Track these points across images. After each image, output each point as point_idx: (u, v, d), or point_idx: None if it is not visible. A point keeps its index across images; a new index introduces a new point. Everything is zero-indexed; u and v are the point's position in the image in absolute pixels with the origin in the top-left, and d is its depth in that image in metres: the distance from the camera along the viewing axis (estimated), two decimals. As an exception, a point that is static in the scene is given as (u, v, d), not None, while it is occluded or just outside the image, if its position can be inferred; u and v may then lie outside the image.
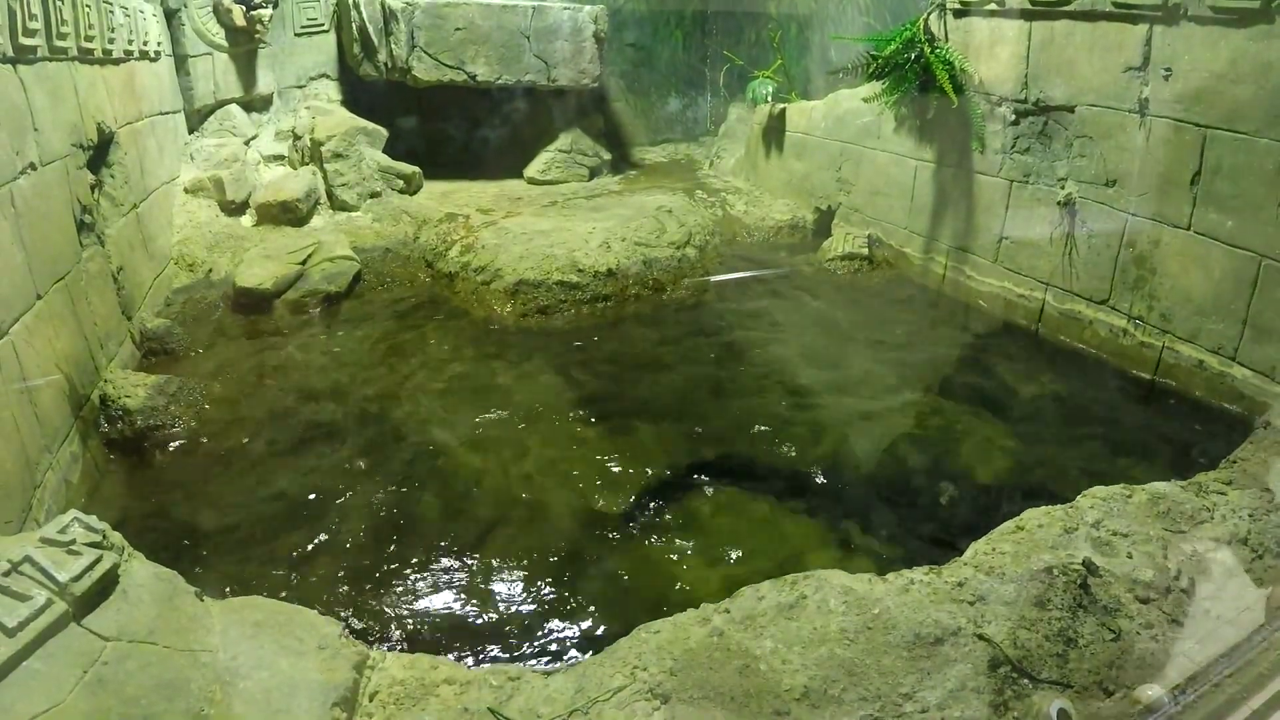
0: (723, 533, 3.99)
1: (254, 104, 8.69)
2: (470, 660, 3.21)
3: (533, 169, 9.81)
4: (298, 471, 4.48)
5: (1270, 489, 3.38)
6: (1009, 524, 3.22)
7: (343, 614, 3.39)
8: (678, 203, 8.28)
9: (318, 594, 3.56)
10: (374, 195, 8.38)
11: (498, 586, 3.64)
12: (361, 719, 2.40)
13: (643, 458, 4.61)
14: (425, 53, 8.89)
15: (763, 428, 4.88)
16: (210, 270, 6.91)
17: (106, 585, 2.41)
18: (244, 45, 8.32)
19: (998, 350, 5.92)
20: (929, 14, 6.62)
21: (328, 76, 9.61)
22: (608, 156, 10.27)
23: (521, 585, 3.65)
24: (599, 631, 3.38)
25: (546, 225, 7.55)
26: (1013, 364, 5.71)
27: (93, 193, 5.19)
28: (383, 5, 8.78)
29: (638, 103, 11.49)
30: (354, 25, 8.96)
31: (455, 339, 6.13)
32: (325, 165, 8.25)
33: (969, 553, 3.05)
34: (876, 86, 7.02)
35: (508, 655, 3.27)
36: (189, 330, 6.02)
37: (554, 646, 3.33)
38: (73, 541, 2.44)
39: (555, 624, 3.44)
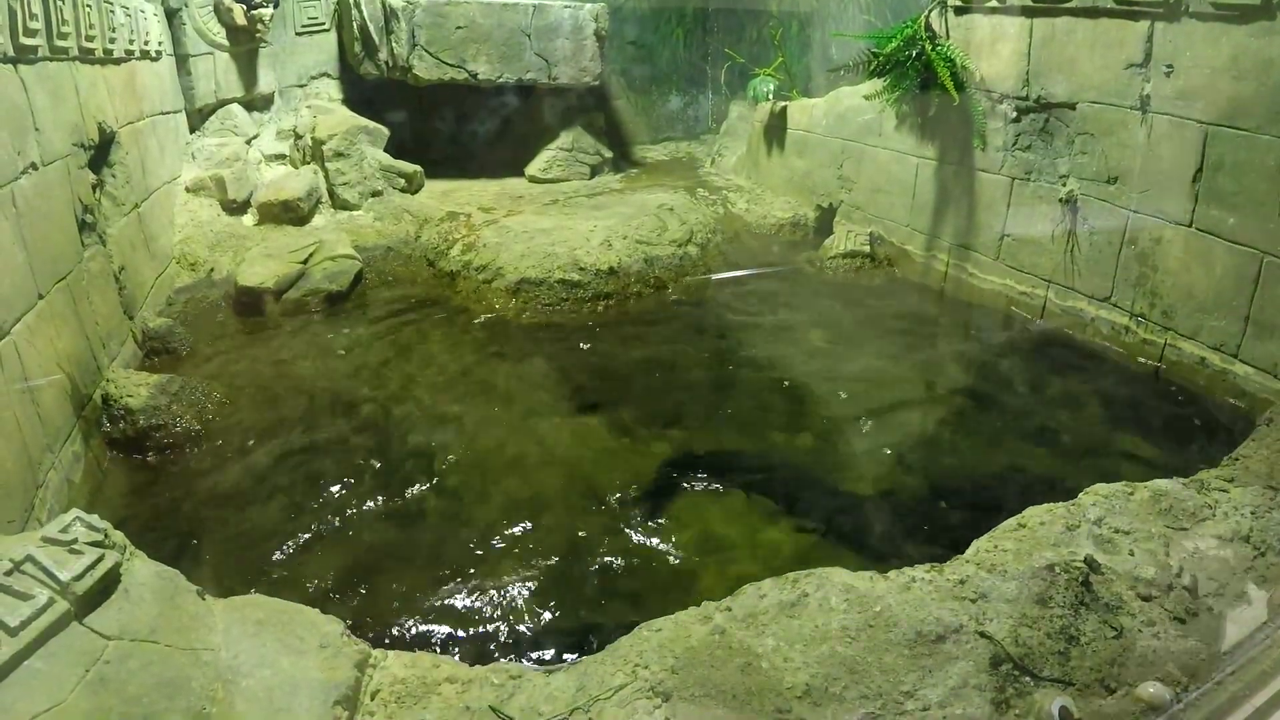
0: (723, 532, 3.99)
1: (255, 103, 8.70)
2: (472, 659, 3.20)
3: (534, 167, 9.81)
4: (300, 470, 4.48)
5: (1273, 486, 3.38)
6: (1010, 521, 3.21)
7: (344, 612, 3.39)
8: (679, 201, 8.28)
9: (319, 592, 3.57)
10: (375, 194, 8.38)
11: (499, 584, 3.64)
12: (363, 717, 2.40)
13: (644, 456, 4.61)
14: (426, 51, 8.89)
15: (763, 426, 4.88)
16: (212, 269, 6.92)
17: (108, 584, 2.41)
18: (245, 44, 8.32)
19: (999, 348, 5.91)
20: (930, 11, 6.62)
21: (329, 75, 9.61)
22: (609, 155, 10.27)
23: (523, 583, 3.65)
24: (600, 629, 3.38)
25: (548, 224, 7.55)
26: (1014, 362, 5.70)
27: (94, 192, 5.19)
28: (383, 4, 8.78)
29: (639, 101, 11.48)
30: (355, 24, 8.96)
31: (457, 337, 6.13)
32: (327, 164, 8.25)
33: (970, 550, 3.05)
34: (878, 84, 7.01)
35: (509, 653, 3.27)
36: (191, 330, 6.02)
37: (555, 644, 3.33)
38: (74, 540, 2.44)
39: (556, 622, 3.44)
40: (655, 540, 3.91)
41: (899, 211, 7.33)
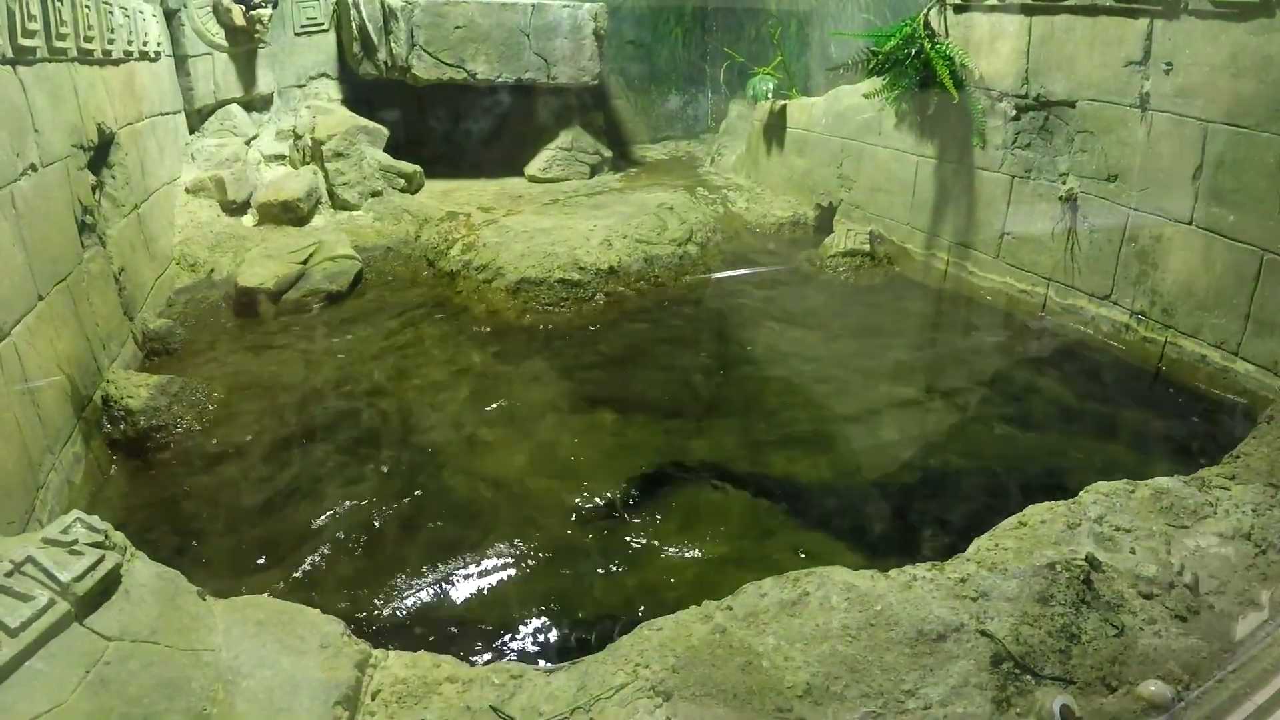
0: (722, 531, 3.99)
1: (254, 104, 8.70)
2: (472, 658, 3.20)
3: (533, 167, 9.80)
4: (300, 470, 4.48)
5: (1274, 483, 3.38)
6: (1011, 520, 3.22)
7: (345, 612, 3.39)
8: (679, 200, 8.27)
9: (320, 592, 3.56)
10: (375, 194, 8.38)
11: (500, 583, 3.64)
12: (364, 717, 2.40)
13: (645, 456, 4.61)
14: (425, 51, 8.89)
15: (763, 424, 4.88)
16: (212, 270, 6.92)
17: (109, 585, 2.41)
18: (244, 45, 8.32)
19: (999, 346, 5.91)
20: (929, 9, 6.61)
21: (328, 76, 9.61)
22: (608, 154, 10.27)
23: (524, 582, 3.65)
24: (600, 628, 3.38)
25: (548, 223, 7.55)
26: (1014, 360, 5.70)
27: (94, 193, 5.19)
28: (382, 4, 8.78)
29: (638, 100, 11.48)
30: (353, 24, 8.96)
31: (457, 337, 6.13)
32: (326, 164, 8.25)
33: (971, 549, 3.05)
34: (877, 82, 7.01)
35: (510, 653, 3.26)
36: (191, 330, 6.02)
37: (556, 643, 3.33)
38: (75, 541, 2.44)
39: (556, 621, 3.44)
40: (655, 539, 3.90)
41: (899, 210, 7.33)
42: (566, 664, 2.63)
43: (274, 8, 8.36)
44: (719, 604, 2.77)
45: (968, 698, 2.36)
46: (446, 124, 10.12)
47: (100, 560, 2.41)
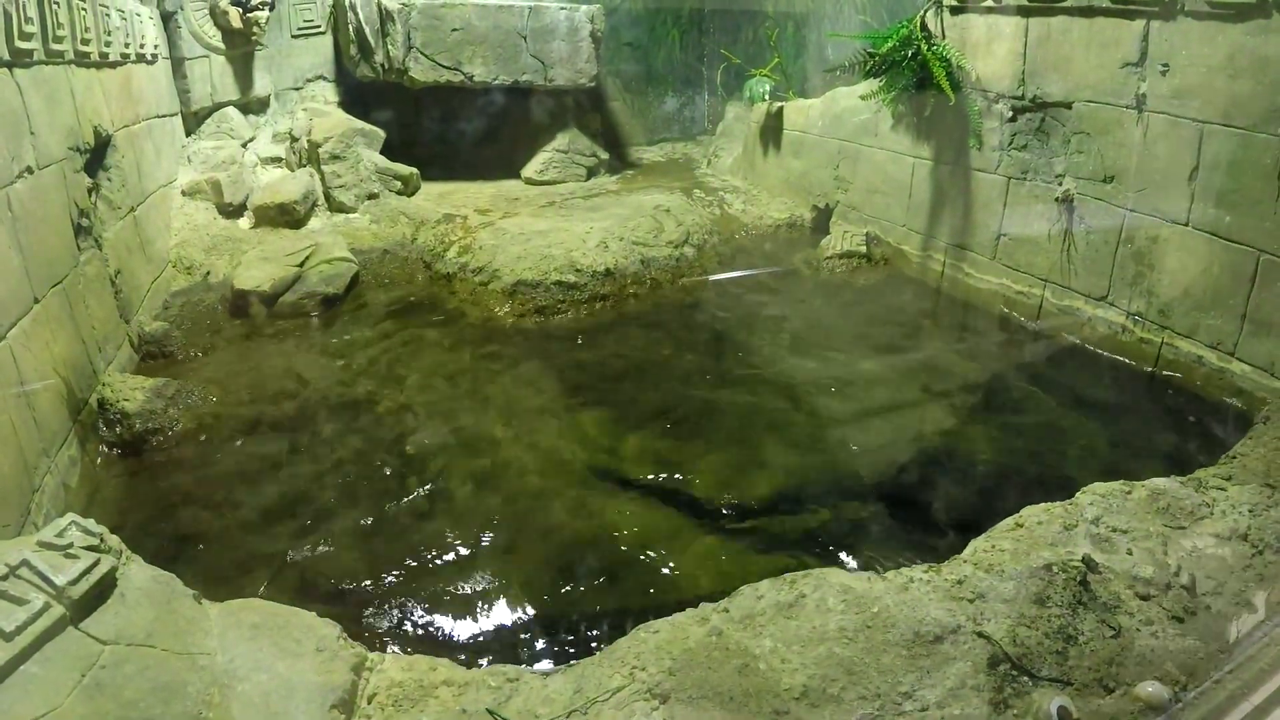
0: (723, 530, 3.99)
1: (251, 106, 8.69)
2: (469, 661, 3.20)
3: (530, 169, 9.80)
4: (296, 473, 4.47)
5: (1271, 484, 3.38)
6: (1008, 521, 3.22)
7: (341, 615, 3.39)
8: (675, 202, 8.27)
9: (316, 596, 3.56)
10: (371, 197, 8.37)
11: (496, 587, 3.64)
12: (360, 721, 2.40)
13: (642, 457, 4.61)
14: (422, 53, 8.88)
15: (761, 425, 4.88)
16: (208, 273, 6.91)
17: (104, 589, 2.41)
18: (241, 47, 8.31)
19: (995, 348, 5.91)
20: (926, 11, 6.62)
21: (325, 78, 9.60)
22: (605, 156, 10.26)
23: (519, 585, 3.65)
24: (597, 631, 3.38)
25: (544, 225, 7.54)
26: (1011, 361, 5.70)
27: (90, 196, 5.18)
28: (379, 6, 8.77)
29: (635, 102, 11.48)
30: (350, 27, 8.96)
31: (453, 340, 6.13)
32: (323, 167, 8.24)
33: (968, 550, 3.05)
34: (873, 84, 7.01)
35: (506, 655, 3.26)
36: (187, 333, 6.01)
37: (552, 647, 3.33)
38: (70, 545, 2.44)
39: (554, 624, 3.44)
40: (653, 541, 3.90)
41: (895, 211, 7.33)
42: (563, 666, 2.63)
43: (271, 10, 8.35)
44: (715, 606, 2.77)
45: (965, 699, 2.36)
46: (443, 126, 10.11)
47: (95, 564, 2.41)
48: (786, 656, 2.50)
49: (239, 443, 4.74)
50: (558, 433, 4.87)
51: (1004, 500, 4.00)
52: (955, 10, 6.41)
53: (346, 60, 9.39)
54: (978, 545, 3.07)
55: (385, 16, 8.77)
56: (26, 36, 4.33)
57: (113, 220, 5.53)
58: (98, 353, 4.87)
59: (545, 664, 3.19)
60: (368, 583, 3.66)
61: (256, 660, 2.40)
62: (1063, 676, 2.45)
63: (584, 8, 9.38)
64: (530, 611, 3.51)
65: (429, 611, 3.51)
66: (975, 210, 6.51)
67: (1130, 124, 5.22)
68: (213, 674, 2.31)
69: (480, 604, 3.55)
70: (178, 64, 7.62)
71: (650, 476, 4.43)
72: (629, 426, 4.93)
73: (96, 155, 5.46)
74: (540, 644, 3.35)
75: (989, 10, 6.10)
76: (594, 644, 3.24)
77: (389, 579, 3.69)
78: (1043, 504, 3.29)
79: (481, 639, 3.37)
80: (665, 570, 3.72)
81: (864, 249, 7.41)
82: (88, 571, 2.37)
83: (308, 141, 8.40)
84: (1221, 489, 3.36)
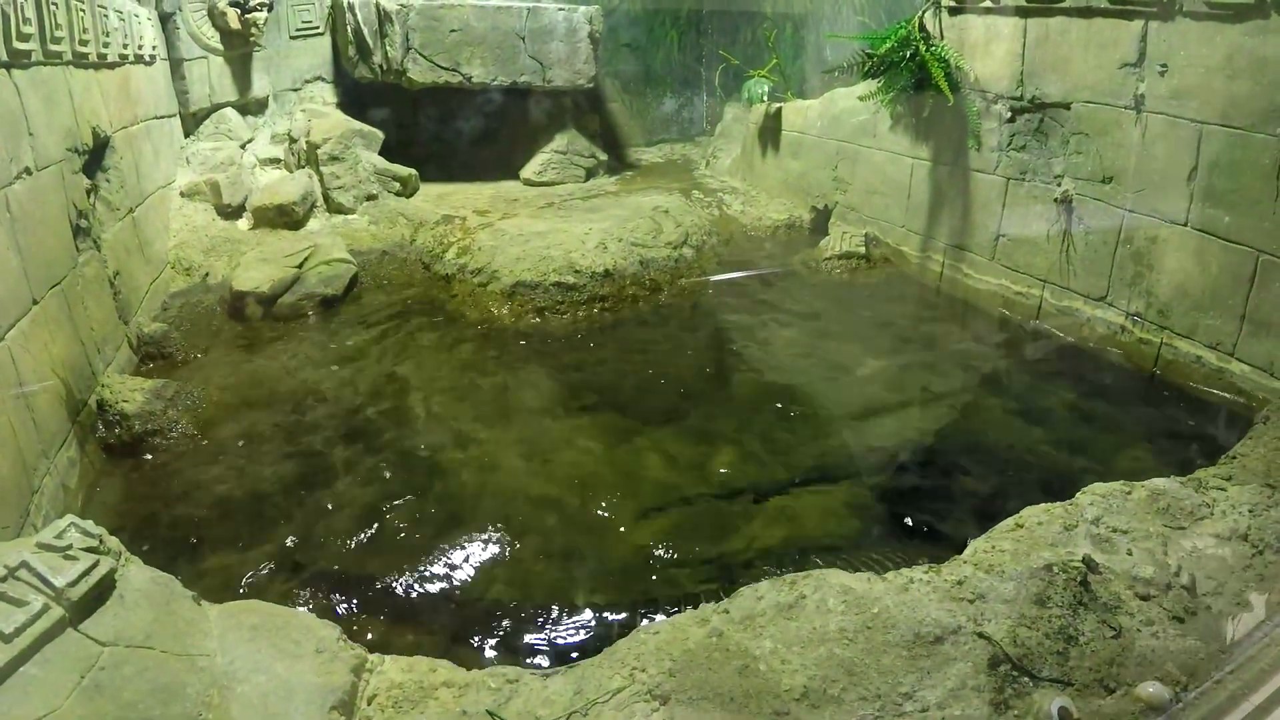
0: (719, 533, 3.98)
1: (249, 107, 8.68)
2: (469, 662, 3.19)
3: (529, 170, 9.80)
4: (295, 475, 4.47)
5: (1271, 484, 3.38)
6: (1008, 521, 3.22)
7: (341, 617, 3.39)
8: (674, 203, 8.27)
9: (315, 597, 3.55)
10: (370, 198, 8.37)
11: (495, 588, 3.63)
12: (360, 722, 2.39)
13: (641, 460, 4.61)
14: (420, 54, 8.88)
15: (759, 425, 4.88)
16: (207, 274, 6.91)
17: (103, 590, 2.40)
18: (239, 48, 8.30)
19: (994, 348, 5.91)
20: (924, 12, 6.62)
21: (323, 79, 9.60)
22: (604, 157, 10.27)
23: (519, 587, 3.64)
24: (597, 632, 3.37)
25: (543, 226, 7.54)
26: (1010, 361, 5.70)
27: (88, 197, 5.18)
28: (377, 7, 8.77)
29: (633, 103, 11.48)
30: (349, 28, 8.96)
31: (452, 341, 6.12)
32: (321, 168, 8.24)
33: (968, 551, 3.05)
34: (872, 85, 7.01)
35: (506, 657, 3.26)
36: (186, 334, 6.01)
37: (552, 647, 3.32)
38: (69, 546, 2.43)
39: (552, 625, 3.43)
40: (651, 544, 3.90)
41: (894, 212, 7.33)
42: (563, 668, 2.62)
43: (269, 11, 8.35)
44: (715, 607, 2.77)
45: (965, 700, 2.36)
46: (441, 127, 10.11)
47: (95, 565, 2.41)
48: (787, 657, 2.50)
49: (238, 444, 4.73)
50: (557, 434, 4.87)
51: (1003, 501, 4.01)
52: (953, 11, 6.41)
53: (345, 61, 9.39)
54: (978, 546, 3.07)
55: (383, 17, 8.77)
56: (24, 38, 4.33)
57: (111, 221, 5.53)
58: (96, 354, 4.86)
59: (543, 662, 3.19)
60: (368, 583, 3.66)
61: (256, 662, 2.39)
62: (1063, 677, 2.44)
63: (582, 8, 9.38)
64: (529, 610, 3.50)
65: (430, 612, 3.51)
66: (974, 211, 6.51)
67: (1129, 124, 5.22)
68: (212, 675, 2.30)
69: (481, 606, 3.55)
70: (176, 65, 7.61)
71: (650, 474, 4.43)
72: (628, 427, 4.93)
73: (95, 156, 5.45)
74: (541, 644, 3.35)
75: (987, 11, 6.10)
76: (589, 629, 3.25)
77: (388, 579, 3.68)
78: (1043, 504, 3.28)
79: (481, 639, 3.37)
80: (655, 576, 3.72)
81: (863, 250, 7.41)
82: (87, 573, 2.37)
83: (306, 143, 8.40)
84: (1221, 489, 3.36)
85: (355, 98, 9.59)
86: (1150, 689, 2.39)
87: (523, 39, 9.14)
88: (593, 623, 3.43)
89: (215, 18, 7.86)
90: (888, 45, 6.71)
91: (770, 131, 8.96)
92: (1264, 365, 4.61)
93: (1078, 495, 3.35)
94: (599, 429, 4.92)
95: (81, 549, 2.44)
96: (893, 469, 4.49)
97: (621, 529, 4.02)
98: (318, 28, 9.39)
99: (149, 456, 4.62)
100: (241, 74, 8.48)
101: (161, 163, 7.11)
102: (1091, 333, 5.64)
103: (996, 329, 6.17)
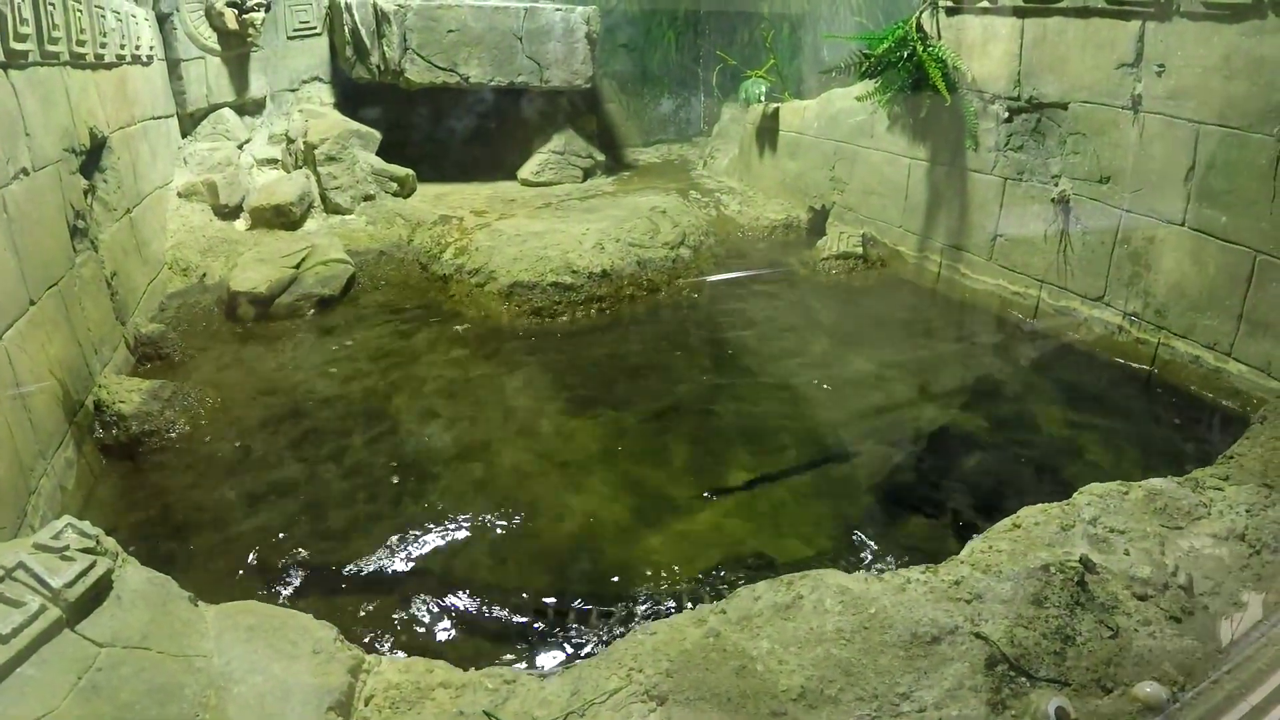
0: (716, 533, 3.98)
1: (247, 107, 8.67)
2: (466, 663, 3.19)
3: (526, 170, 9.80)
4: (293, 476, 4.47)
5: (1268, 484, 3.38)
6: (1005, 522, 3.22)
7: (338, 617, 3.38)
8: (672, 203, 8.27)
9: (312, 598, 3.55)
10: (367, 198, 8.36)
11: (493, 589, 3.63)
12: (357, 723, 2.39)
13: (639, 458, 4.61)
14: (418, 55, 8.88)
15: (756, 426, 4.88)
16: (204, 275, 6.90)
17: (100, 591, 2.40)
18: (236, 49, 8.29)
19: (992, 349, 5.92)
20: (921, 12, 6.62)
21: (320, 79, 9.59)
22: (601, 158, 10.26)
23: (517, 587, 3.64)
24: (594, 632, 3.37)
25: (540, 227, 7.54)
26: (1008, 362, 5.71)
27: (86, 198, 5.17)
28: (375, 8, 8.77)
29: (631, 103, 11.48)
30: (346, 28, 8.95)
31: (449, 341, 6.12)
32: (318, 168, 8.23)
33: (965, 551, 3.05)
34: (869, 85, 7.02)
35: (504, 657, 3.26)
36: (183, 335, 6.00)
37: (550, 648, 3.32)
38: (66, 547, 2.43)
39: (550, 624, 3.43)
40: (648, 544, 3.90)
41: (891, 213, 7.34)
42: (560, 668, 2.62)
43: (266, 11, 8.34)
44: (713, 607, 2.76)
45: (962, 700, 2.36)
46: (439, 128, 10.10)
47: (92, 566, 2.40)
48: (784, 658, 2.50)
49: (235, 444, 4.73)
50: (555, 434, 4.87)
51: (1001, 501, 4.01)
52: (951, 11, 6.42)
53: (342, 62, 9.38)
54: (975, 546, 3.07)
55: (381, 18, 8.76)
56: (21, 38, 4.33)
57: (108, 222, 5.52)
58: (94, 355, 4.86)
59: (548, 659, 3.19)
60: (366, 584, 3.65)
61: (253, 662, 2.39)
62: (1060, 677, 2.44)
63: (580, 9, 9.37)
64: (528, 611, 3.50)
65: (428, 612, 3.51)
66: (971, 211, 6.51)
67: (1126, 124, 5.23)
68: (209, 676, 2.30)
69: (479, 607, 3.55)
70: (173, 65, 7.60)
71: (648, 474, 4.43)
72: (626, 427, 4.93)
73: (92, 157, 5.45)
74: (539, 645, 3.35)
75: (984, 11, 6.11)
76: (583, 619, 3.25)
77: (387, 579, 3.68)
78: (1040, 504, 3.29)
79: (480, 638, 3.37)
80: (647, 570, 3.73)
81: (860, 250, 7.42)
82: (84, 574, 2.36)
83: (304, 143, 8.39)
84: (1219, 489, 3.36)
85: (352, 98, 9.58)
86: (1147, 689, 2.39)
87: (520, 39, 9.14)
88: (578, 629, 3.44)
89: (213, 18, 7.85)
90: (885, 45, 6.72)
91: (767, 132, 8.97)
92: (1261, 365, 4.61)
93: (1075, 495, 3.35)
94: (596, 428, 4.92)
95: (78, 550, 2.44)
96: (888, 468, 4.49)
97: (619, 529, 4.02)
98: (315, 28, 9.38)
99: (146, 457, 4.61)
100: (239, 74, 8.47)
101: (159, 163, 7.11)
102: (1089, 333, 5.64)
103: (994, 329, 6.17)
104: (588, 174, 10.04)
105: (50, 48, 4.75)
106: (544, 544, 3.93)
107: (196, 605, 2.57)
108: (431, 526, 4.05)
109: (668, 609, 3.42)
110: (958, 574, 2.84)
